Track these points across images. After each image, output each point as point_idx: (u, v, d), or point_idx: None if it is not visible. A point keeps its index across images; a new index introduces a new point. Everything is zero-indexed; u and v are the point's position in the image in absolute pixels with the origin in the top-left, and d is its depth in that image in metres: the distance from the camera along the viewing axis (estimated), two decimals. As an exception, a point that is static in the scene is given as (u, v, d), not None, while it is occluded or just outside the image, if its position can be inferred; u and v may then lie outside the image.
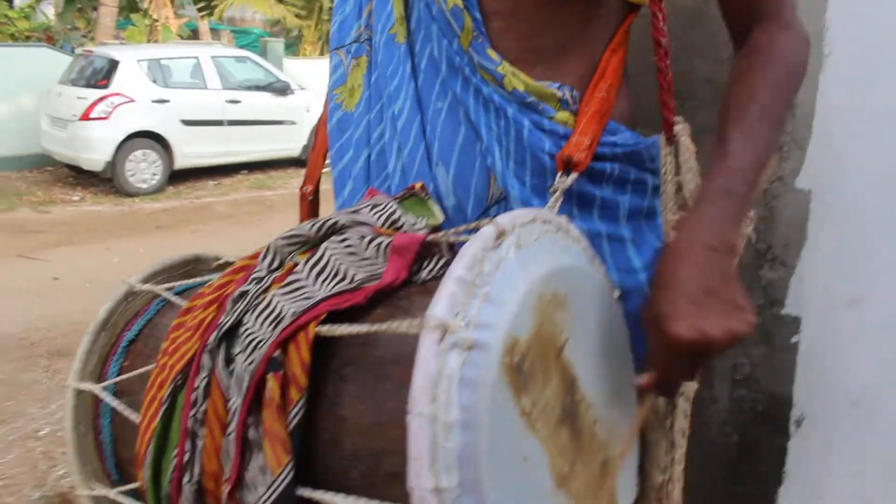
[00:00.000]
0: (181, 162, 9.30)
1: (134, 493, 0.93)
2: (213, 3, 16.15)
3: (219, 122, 9.55)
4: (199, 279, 1.03)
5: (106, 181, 9.02)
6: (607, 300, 0.85)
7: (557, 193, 0.89)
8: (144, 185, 8.98)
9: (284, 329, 0.75)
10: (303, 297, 0.79)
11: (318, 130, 1.18)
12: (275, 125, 9.92)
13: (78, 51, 10.32)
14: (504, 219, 0.72)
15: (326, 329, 0.74)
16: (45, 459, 3.41)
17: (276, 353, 0.74)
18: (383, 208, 0.90)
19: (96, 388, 0.95)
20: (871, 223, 1.17)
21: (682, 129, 1.02)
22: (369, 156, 1.04)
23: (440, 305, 0.64)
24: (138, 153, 8.94)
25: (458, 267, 0.66)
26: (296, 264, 0.84)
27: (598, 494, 0.81)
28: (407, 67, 0.99)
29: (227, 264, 1.08)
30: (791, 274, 1.22)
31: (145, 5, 15.64)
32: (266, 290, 0.83)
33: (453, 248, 0.85)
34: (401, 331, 0.69)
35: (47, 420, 3.75)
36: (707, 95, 1.26)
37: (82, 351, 0.98)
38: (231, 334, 0.80)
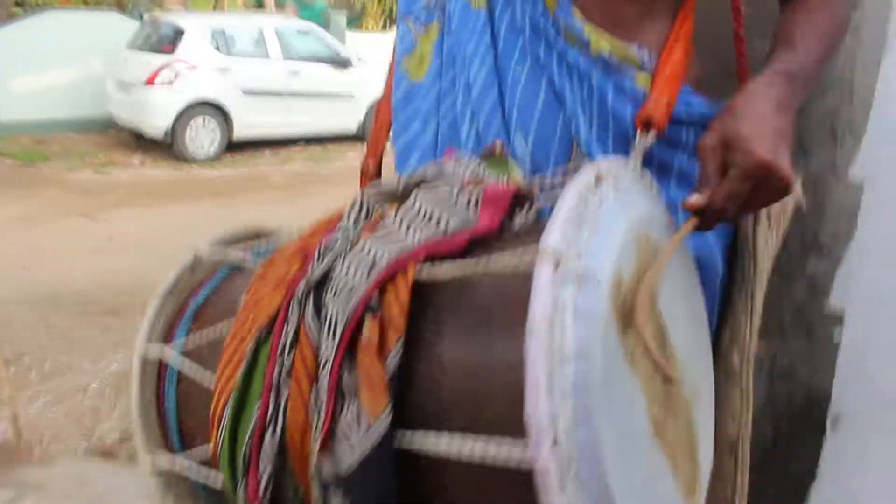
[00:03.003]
0: (240, 131, 9.42)
1: (197, 461, 0.91)
2: (279, -25, 16.26)
3: (279, 94, 9.64)
4: (265, 247, 1.02)
5: (166, 146, 9.20)
6: (688, 261, 0.87)
7: (639, 148, 0.89)
8: (202, 153, 9.13)
9: (382, 272, 0.74)
10: (399, 241, 0.78)
11: (380, 105, 1.17)
12: (334, 98, 9.97)
13: (146, 17, 10.49)
14: (601, 163, 0.74)
15: (426, 272, 0.73)
16: (92, 413, 3.51)
17: (374, 296, 0.73)
18: (467, 164, 0.90)
19: (166, 351, 0.94)
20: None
21: None
22: (437, 126, 1.04)
23: (554, 235, 0.64)
24: (198, 120, 9.08)
25: (567, 200, 0.67)
26: (385, 215, 0.84)
27: (686, 450, 0.81)
28: (486, 33, 0.99)
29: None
30: (837, 266, 1.18)
31: (213, -25, 15.83)
32: (355, 240, 0.82)
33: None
34: (510, 268, 0.69)
35: (97, 375, 3.86)
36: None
37: (149, 316, 0.97)
38: (321, 284, 0.78)
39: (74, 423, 3.43)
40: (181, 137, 8.99)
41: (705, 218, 0.85)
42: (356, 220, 0.85)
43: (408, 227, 0.80)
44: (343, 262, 0.78)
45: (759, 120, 0.84)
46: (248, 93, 9.38)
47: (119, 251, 5.80)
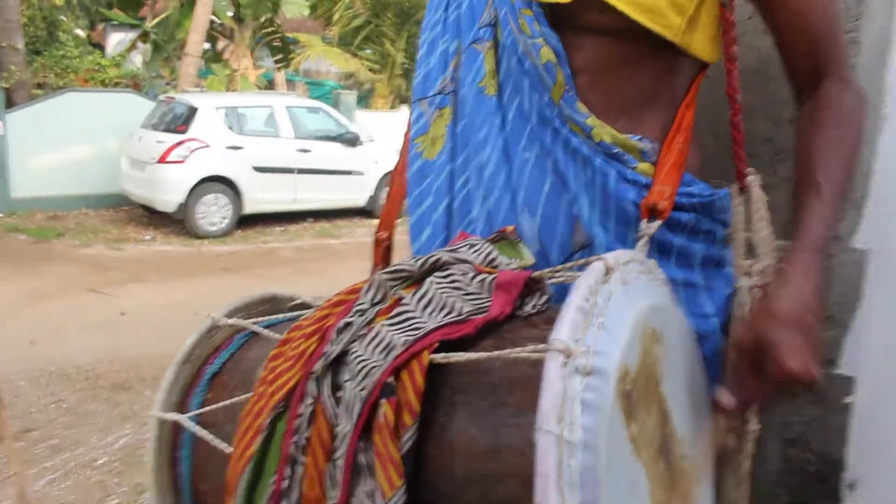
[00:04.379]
0: (250, 207, 9.57)
1: None
2: (290, 56, 16.73)
3: (289, 170, 9.82)
4: (281, 316, 1.06)
5: (177, 222, 9.33)
6: (690, 341, 0.90)
7: (645, 239, 0.92)
8: (214, 228, 9.25)
9: (399, 356, 0.77)
10: (412, 327, 0.81)
11: (393, 178, 1.22)
12: (343, 175, 10.14)
13: (161, 97, 10.77)
14: (609, 257, 0.76)
15: (441, 356, 0.77)
16: (99, 488, 3.49)
17: (390, 379, 0.76)
18: (480, 248, 0.93)
19: (182, 418, 0.97)
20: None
21: (753, 179, 1.06)
22: (450, 203, 1.08)
23: (564, 331, 0.68)
24: (210, 197, 9.25)
25: (577, 296, 0.70)
26: (400, 298, 0.87)
27: None
28: (496, 119, 1.03)
29: (303, 305, 1.12)
30: (845, 334, 1.21)
31: (226, 56, 16.30)
32: (370, 322, 0.85)
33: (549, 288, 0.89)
34: (522, 356, 0.73)
35: (105, 450, 3.84)
36: (767, 155, 1.27)
37: (167, 381, 1.00)
38: (337, 363, 0.81)
39: (82, 498, 3.40)
40: (192, 213, 9.14)
41: (736, 413, 0.89)
42: (372, 303, 0.88)
43: (422, 312, 0.83)
44: (360, 344, 0.81)
45: (796, 323, 0.84)
46: (260, 169, 9.55)
47: (129, 326, 5.83)
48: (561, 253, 1.00)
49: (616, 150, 0.97)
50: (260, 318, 1.06)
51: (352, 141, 10.27)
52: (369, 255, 1.24)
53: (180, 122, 9.38)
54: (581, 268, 0.95)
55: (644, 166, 0.98)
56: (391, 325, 0.82)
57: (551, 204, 1.00)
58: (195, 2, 13.26)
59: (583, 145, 0.97)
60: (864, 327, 1.19)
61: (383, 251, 1.22)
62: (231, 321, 1.04)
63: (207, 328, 1.04)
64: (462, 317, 0.82)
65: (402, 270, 0.90)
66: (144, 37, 15.62)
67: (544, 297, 0.86)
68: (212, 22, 14.83)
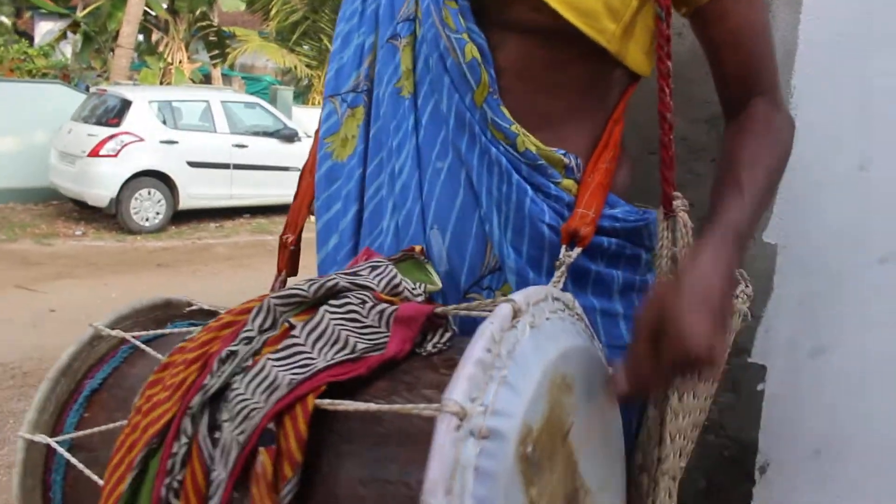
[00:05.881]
0: (185, 202, 9.41)
1: None
2: (226, 50, 16.50)
3: (225, 166, 9.68)
4: (171, 328, 0.98)
5: (109, 217, 9.11)
6: (604, 381, 0.83)
7: (563, 269, 0.87)
8: (147, 224, 9.06)
9: (281, 399, 0.70)
10: (300, 364, 0.74)
11: (301, 177, 1.14)
12: (280, 171, 10.06)
13: (92, 89, 10.51)
14: (519, 297, 0.69)
15: (328, 402, 0.70)
16: (28, 488, 3.40)
17: (270, 425, 0.69)
18: (382, 271, 0.86)
19: (51, 441, 0.88)
20: (833, 277, 1.23)
21: (680, 203, 1.03)
22: (360, 210, 1.01)
23: (459, 389, 0.60)
24: (143, 192, 9.05)
25: (477, 348, 0.63)
26: (291, 326, 0.79)
27: None
28: (410, 122, 0.96)
29: (200, 311, 1.05)
30: (758, 324, 1.28)
31: (160, 49, 15.98)
32: (257, 352, 0.77)
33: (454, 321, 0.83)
34: (414, 413, 0.66)
35: (33, 449, 3.75)
36: (682, 153, 1.33)
37: (39, 399, 0.91)
38: (217, 398, 0.74)
39: (7, 498, 3.32)
40: (126, 208, 8.93)
41: (632, 395, 0.84)
42: (261, 329, 0.80)
43: (312, 346, 0.76)
44: (242, 380, 0.74)
45: (703, 301, 0.79)
46: (195, 164, 9.39)
47: (59, 323, 5.69)
48: (470, 275, 0.94)
49: (540, 163, 0.91)
50: (143, 333, 0.96)
51: (289, 137, 10.19)
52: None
53: (113, 115, 9.16)
54: (490, 293, 0.93)
55: (568, 183, 0.92)
56: (278, 359, 0.74)
57: (462, 221, 0.93)
58: (128, -8, 12.96)
59: (503, 156, 0.90)
60: (773, 318, 1.27)
61: (289, 256, 1.13)
62: (115, 332, 0.95)
63: (89, 337, 0.94)
64: (355, 355, 0.75)
65: (294, 295, 0.82)
66: (75, 27, 15.22)
67: (447, 335, 0.79)
68: (146, 13, 14.52)
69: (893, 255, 1.21)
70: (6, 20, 16.10)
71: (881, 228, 1.20)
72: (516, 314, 0.68)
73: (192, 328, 0.89)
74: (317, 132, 1.08)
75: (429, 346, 0.78)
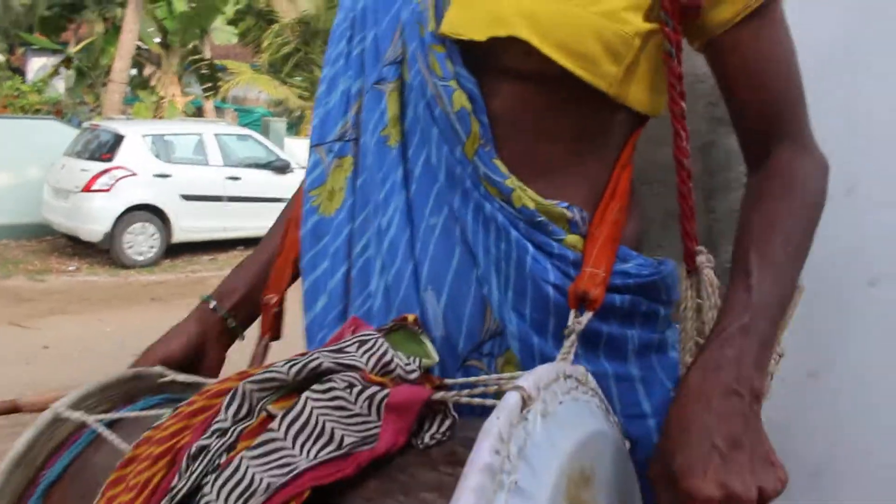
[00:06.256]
0: (179, 236, 9.40)
1: None
2: (218, 83, 16.60)
3: (218, 198, 9.69)
4: (142, 404, 0.90)
5: (103, 252, 9.11)
6: (624, 461, 0.75)
7: (573, 337, 0.78)
8: (141, 258, 9.06)
9: None
10: (279, 463, 0.66)
11: (286, 231, 1.04)
12: (274, 202, 10.06)
13: (85, 124, 10.55)
14: (528, 382, 0.62)
15: None
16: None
17: None
18: (372, 346, 0.76)
19: None
20: (825, 300, 1.24)
21: (704, 260, 0.91)
22: (348, 270, 0.92)
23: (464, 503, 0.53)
24: (137, 226, 9.06)
25: (484, 451, 0.55)
26: (269, 416, 0.71)
27: None
28: (398, 175, 0.88)
29: (173, 383, 0.97)
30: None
31: (153, 83, 16.07)
32: (231, 446, 0.69)
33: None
34: None
35: (28, 487, 3.71)
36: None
37: None
38: (186, 502, 0.67)
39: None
40: (119, 243, 8.93)
41: None
42: (235, 419, 0.71)
43: (293, 442, 0.67)
44: (215, 483, 0.65)
45: (704, 436, 0.70)
46: (188, 198, 9.41)
47: (52, 359, 5.66)
48: (469, 340, 0.85)
49: (540, 219, 0.82)
50: (103, 416, 0.86)
51: (282, 168, 10.21)
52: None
53: (105, 149, 9.20)
54: (491, 360, 0.85)
55: (572, 239, 0.83)
56: (255, 457, 0.66)
57: (459, 281, 0.85)
58: (121, 27, 13.07)
59: (498, 212, 0.82)
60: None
61: (272, 318, 1.03)
62: (77, 415, 0.85)
63: (48, 421, 0.84)
64: (343, 451, 0.67)
65: (272, 378, 0.73)
66: (67, 62, 15.31)
67: (447, 423, 0.70)
68: (138, 48, 14.62)
69: (883, 276, 1.22)
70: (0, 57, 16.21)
71: (870, 251, 1.22)
72: (525, 403, 0.60)
73: (162, 411, 0.82)
74: (301, 185, 1.01)
75: (426, 438, 0.69)
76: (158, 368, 0.96)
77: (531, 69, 0.82)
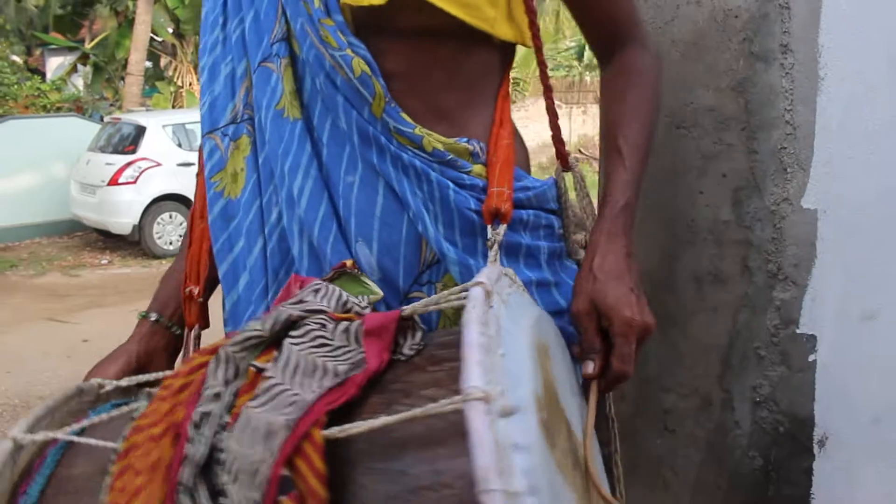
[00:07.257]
0: (207, 223, 9.46)
1: None
2: (235, 69, 16.60)
3: (243, 183, 9.73)
4: (94, 416, 0.88)
5: (133, 244, 9.19)
6: (560, 337, 0.90)
7: (496, 247, 0.91)
8: (171, 247, 9.11)
9: (286, 442, 0.66)
10: (288, 402, 0.69)
11: (191, 224, 1.07)
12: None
13: (106, 119, 10.60)
14: (483, 279, 0.70)
15: (338, 430, 0.67)
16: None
17: (284, 471, 0.65)
18: (326, 292, 0.83)
19: None
20: (878, 238, 1.19)
21: (573, 160, 1.09)
22: (265, 244, 0.98)
23: (475, 376, 0.60)
24: (165, 216, 9.12)
25: (473, 332, 0.63)
26: (259, 370, 0.74)
27: None
28: (306, 144, 0.95)
29: (116, 390, 0.96)
30: (804, 293, 1.23)
31: (170, 73, 16.11)
32: (231, 405, 0.71)
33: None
34: (431, 409, 0.64)
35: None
36: (710, 124, 1.29)
37: None
38: (207, 464, 0.68)
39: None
40: (149, 233, 9.00)
41: (607, 382, 0.91)
42: (226, 382, 0.73)
43: (292, 382, 0.71)
44: (230, 438, 0.68)
45: (619, 281, 0.91)
46: (213, 184, 9.44)
47: (93, 352, 5.69)
48: (408, 274, 0.95)
49: (449, 157, 0.94)
50: (74, 426, 0.85)
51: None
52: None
53: (128, 142, 9.24)
54: (431, 287, 0.96)
55: (478, 168, 0.96)
56: (261, 404, 0.69)
57: (390, 227, 0.94)
58: (133, 20, 13.08)
59: (415, 159, 0.93)
60: (819, 286, 1.23)
61: (198, 309, 1.06)
62: (37, 436, 0.82)
63: (8, 451, 0.80)
64: (340, 378, 0.71)
65: (249, 337, 0.76)
66: (84, 59, 15.40)
67: (418, 334, 0.78)
68: (152, 39, 14.64)
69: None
70: (18, 59, 16.32)
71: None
72: (489, 295, 0.69)
73: (119, 408, 0.83)
74: (199, 174, 1.04)
75: (406, 350, 0.77)
76: (96, 380, 0.95)
77: (421, 24, 0.92)
